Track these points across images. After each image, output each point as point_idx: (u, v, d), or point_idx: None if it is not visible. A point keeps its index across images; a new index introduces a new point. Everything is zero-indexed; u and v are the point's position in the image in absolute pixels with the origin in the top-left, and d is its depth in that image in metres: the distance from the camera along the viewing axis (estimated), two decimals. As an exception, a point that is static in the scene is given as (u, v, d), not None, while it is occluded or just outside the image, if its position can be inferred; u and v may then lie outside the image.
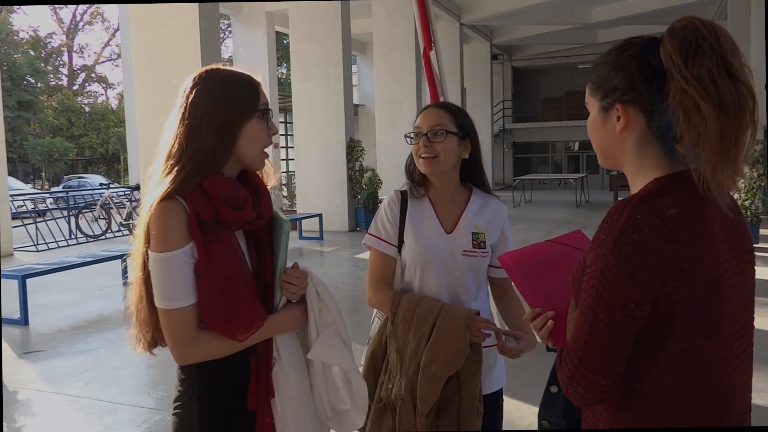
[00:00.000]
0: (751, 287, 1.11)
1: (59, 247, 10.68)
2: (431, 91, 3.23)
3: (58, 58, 38.22)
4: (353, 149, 11.86)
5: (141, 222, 1.32)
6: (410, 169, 1.89)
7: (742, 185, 8.60)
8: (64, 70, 38.58)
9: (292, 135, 14.43)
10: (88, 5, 36.84)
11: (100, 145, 32.42)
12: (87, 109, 35.22)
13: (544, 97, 26.75)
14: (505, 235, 1.90)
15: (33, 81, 31.63)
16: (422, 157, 1.81)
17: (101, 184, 20.36)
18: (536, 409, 1.31)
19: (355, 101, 17.66)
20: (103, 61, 41.17)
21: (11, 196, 11.49)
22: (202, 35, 7.32)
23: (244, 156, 1.36)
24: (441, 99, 3.19)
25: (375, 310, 1.96)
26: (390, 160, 13.78)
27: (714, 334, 1.03)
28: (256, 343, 1.35)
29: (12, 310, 5.94)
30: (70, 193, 14.36)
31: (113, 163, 33.67)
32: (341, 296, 6.49)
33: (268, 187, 1.46)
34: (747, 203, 8.59)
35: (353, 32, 13.11)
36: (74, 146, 32.01)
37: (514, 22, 20.33)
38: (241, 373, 1.35)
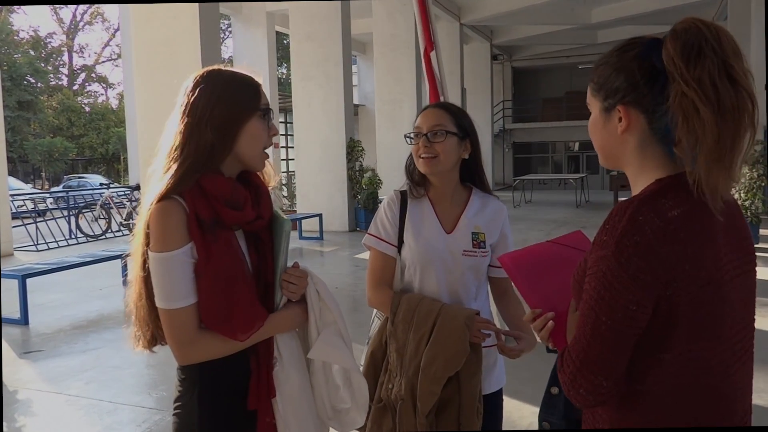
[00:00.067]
0: (752, 289, 1.11)
1: (59, 247, 10.68)
2: (431, 91, 3.23)
3: (58, 58, 38.24)
4: (353, 149, 11.86)
5: (140, 220, 1.32)
6: (410, 169, 1.89)
7: (743, 185, 8.61)
8: (64, 70, 38.62)
9: (292, 135, 14.44)
10: (88, 5, 36.84)
11: (100, 145, 32.43)
12: (87, 109, 35.22)
13: (544, 97, 26.74)
14: (505, 235, 1.90)
15: (33, 81, 31.63)
16: (422, 157, 1.81)
17: (101, 184, 20.36)
18: (536, 409, 1.31)
19: (355, 101, 17.67)
20: (103, 61, 41.23)
21: (11, 196, 11.49)
22: (202, 35, 7.32)
23: (244, 156, 1.37)
24: (441, 99, 3.19)
25: (375, 310, 1.96)
26: (390, 160, 13.78)
27: (715, 336, 1.03)
28: (256, 343, 1.35)
29: (12, 310, 5.94)
30: (70, 193, 14.36)
31: (113, 163, 33.69)
32: (341, 296, 6.49)
33: (269, 188, 1.46)
34: (747, 203, 8.59)
35: (353, 32, 13.11)
36: (74, 146, 32.02)
37: (514, 22, 20.33)
38: (242, 373, 1.36)
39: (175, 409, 1.37)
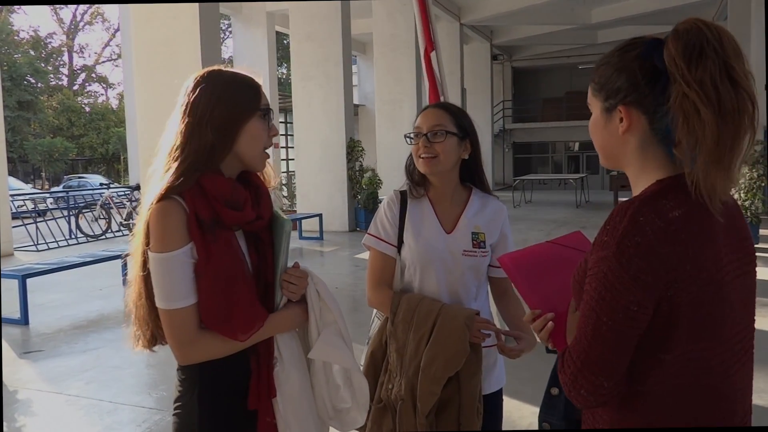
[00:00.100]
0: (752, 289, 1.10)
1: (59, 247, 10.68)
2: (431, 91, 3.23)
3: (59, 58, 38.24)
4: (353, 149, 11.86)
5: (140, 220, 1.32)
6: (410, 169, 1.89)
7: (742, 185, 8.60)
8: (65, 70, 38.62)
9: (292, 135, 14.44)
10: (88, 5, 36.84)
11: (100, 145, 32.43)
12: (87, 109, 35.23)
13: (544, 97, 26.75)
14: (505, 235, 1.90)
15: (33, 81, 31.63)
16: (422, 158, 1.81)
17: (101, 184, 20.37)
18: (536, 409, 1.31)
19: (355, 101, 17.67)
20: (104, 61, 41.23)
21: (11, 196, 11.48)
22: (202, 35, 7.32)
23: (244, 156, 1.37)
24: (441, 99, 3.19)
25: (375, 310, 1.96)
26: (390, 160, 13.78)
27: (716, 337, 1.03)
28: (256, 343, 1.36)
29: (12, 310, 5.94)
30: (70, 193, 14.36)
31: (113, 163, 33.69)
32: (341, 296, 6.49)
33: (269, 188, 1.47)
34: (747, 203, 8.59)
35: (353, 32, 13.11)
36: (74, 146, 32.02)
37: (515, 22, 20.33)
38: (242, 373, 1.36)
39: (175, 409, 1.37)
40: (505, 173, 25.53)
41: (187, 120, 1.33)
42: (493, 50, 22.86)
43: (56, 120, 32.28)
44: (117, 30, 35.14)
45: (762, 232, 9.16)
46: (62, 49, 38.28)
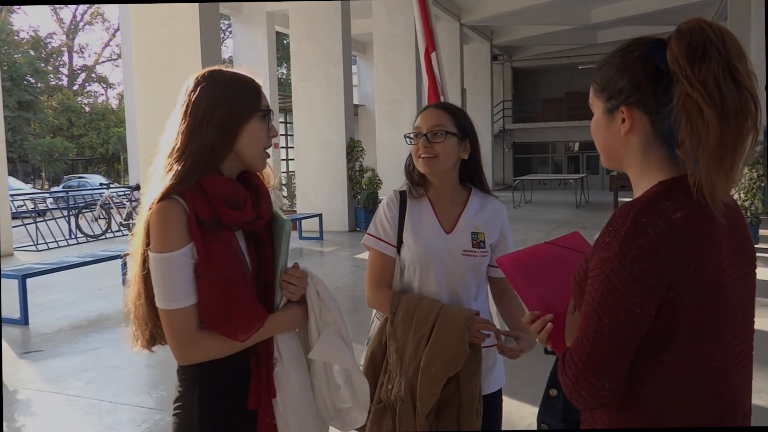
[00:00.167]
0: (752, 291, 1.10)
1: (59, 247, 10.68)
2: (431, 91, 3.23)
3: (59, 58, 38.24)
4: (353, 149, 11.86)
5: (141, 220, 1.32)
6: (410, 170, 1.89)
7: (742, 185, 8.60)
8: (65, 70, 38.61)
9: (292, 135, 14.43)
10: (88, 5, 36.84)
11: (100, 145, 32.42)
12: (87, 109, 35.22)
13: (544, 97, 26.74)
14: (505, 235, 1.90)
15: (33, 81, 31.61)
16: (422, 158, 1.81)
17: (101, 184, 20.36)
18: (536, 410, 1.31)
19: (355, 101, 17.66)
20: (103, 61, 41.22)
21: (11, 196, 11.48)
22: (202, 35, 7.32)
23: (245, 156, 1.37)
24: (441, 100, 3.19)
25: (374, 311, 1.96)
26: (390, 160, 13.78)
27: (717, 339, 1.03)
28: (256, 343, 1.36)
29: (12, 310, 5.94)
30: (70, 193, 14.35)
31: (113, 163, 33.68)
32: (341, 296, 6.49)
33: (268, 189, 1.47)
34: (747, 204, 8.58)
35: (353, 32, 13.11)
36: (74, 146, 32.01)
37: (515, 22, 20.33)
38: (242, 373, 1.36)
39: (175, 409, 1.37)
40: (505, 173, 25.53)
41: (187, 120, 1.33)
42: (493, 50, 22.85)
43: (56, 120, 32.28)
44: (117, 30, 35.16)
45: (762, 232, 9.16)
46: (62, 49, 38.29)
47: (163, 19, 7.50)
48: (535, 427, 1.32)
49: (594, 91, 1.13)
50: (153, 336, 1.38)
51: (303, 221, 10.96)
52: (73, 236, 11.72)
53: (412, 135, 1.85)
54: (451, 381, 1.69)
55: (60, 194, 16.13)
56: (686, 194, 1.01)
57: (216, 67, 1.40)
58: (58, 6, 36.74)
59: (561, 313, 1.18)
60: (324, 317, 1.45)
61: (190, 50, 7.30)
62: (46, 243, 10.64)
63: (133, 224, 1.36)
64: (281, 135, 16.83)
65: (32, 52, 34.26)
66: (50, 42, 37.76)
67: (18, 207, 12.66)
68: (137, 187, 12.16)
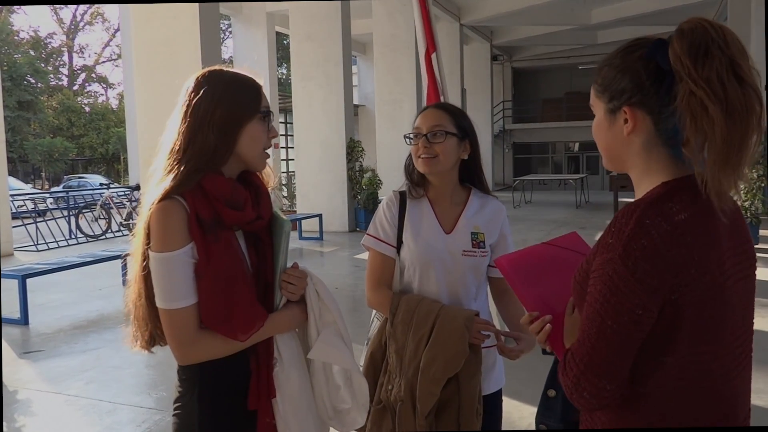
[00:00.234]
0: (752, 293, 1.10)
1: (59, 247, 10.68)
2: (431, 92, 3.23)
3: (59, 58, 38.24)
4: (353, 149, 11.86)
5: (141, 220, 1.32)
6: (409, 170, 1.89)
7: (742, 186, 8.59)
8: (65, 70, 38.61)
9: (292, 135, 14.44)
10: (88, 5, 36.84)
11: (100, 145, 32.42)
12: (87, 109, 35.22)
13: (544, 97, 26.75)
14: (505, 235, 1.90)
15: (33, 81, 31.62)
16: (421, 158, 1.81)
17: (101, 184, 20.37)
18: (535, 410, 1.31)
19: (355, 101, 17.67)
20: (104, 61, 41.23)
21: (11, 196, 11.48)
22: (202, 35, 7.32)
23: (245, 156, 1.37)
24: (441, 100, 3.19)
25: (374, 311, 1.96)
26: (390, 160, 13.78)
27: (718, 340, 1.02)
28: (256, 344, 1.36)
29: (12, 310, 5.94)
30: (70, 193, 14.36)
31: (113, 163, 33.68)
32: (341, 296, 6.49)
33: (268, 189, 1.47)
34: (747, 204, 8.58)
35: (353, 33, 13.11)
36: (74, 146, 32.02)
37: (515, 22, 20.33)
38: (242, 373, 1.36)
39: (175, 409, 1.37)
40: (505, 173, 25.53)
41: (188, 121, 1.33)
42: (493, 51, 22.86)
43: (56, 120, 32.28)
44: (117, 30, 35.17)
45: (762, 232, 9.16)
46: (62, 49, 38.30)
47: (163, 19, 7.50)
48: (534, 428, 1.32)
49: (595, 92, 1.13)
50: (153, 337, 1.38)
51: (303, 221, 10.96)
52: (73, 236, 11.72)
53: (411, 135, 1.85)
54: (451, 381, 1.69)
55: (60, 194, 16.14)
56: (689, 195, 1.01)
57: (216, 68, 1.40)
58: (58, 6, 36.75)
59: (559, 314, 1.18)
60: (323, 317, 1.45)
61: (190, 50, 7.30)
62: (46, 243, 10.64)
63: (134, 224, 1.36)
64: (281, 135, 16.83)
65: (32, 52, 34.27)
66: (50, 42, 37.81)
67: (18, 207, 12.66)
68: (137, 187, 12.16)
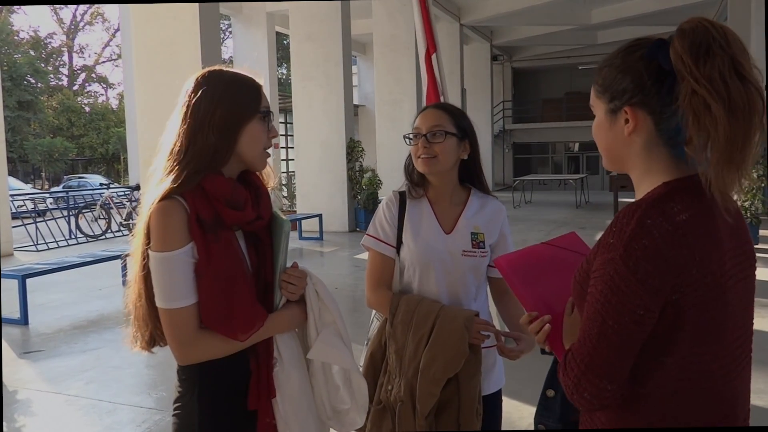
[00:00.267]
0: (751, 293, 1.10)
1: (59, 247, 10.68)
2: (431, 92, 3.22)
3: (59, 58, 38.24)
4: (353, 150, 11.86)
5: (141, 220, 1.32)
6: (409, 170, 1.89)
7: (746, 185, 8.56)
8: (65, 70, 38.61)
9: (292, 135, 14.43)
10: (88, 5, 36.83)
11: (100, 145, 32.42)
12: (87, 109, 35.22)
13: (544, 97, 26.74)
14: (505, 235, 1.90)
15: (33, 81, 31.61)
16: (421, 158, 1.81)
17: (101, 184, 20.36)
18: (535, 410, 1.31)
19: (355, 101, 17.67)
20: (104, 62, 41.22)
21: (11, 196, 11.48)
22: (202, 35, 7.32)
23: (245, 156, 1.37)
24: (441, 100, 3.19)
25: (374, 311, 1.96)
26: (390, 160, 13.77)
27: (718, 340, 1.02)
28: (256, 344, 1.36)
29: (12, 310, 5.94)
30: (70, 193, 14.36)
31: (113, 163, 33.68)
32: (341, 296, 6.49)
33: (268, 189, 1.47)
34: (747, 204, 8.58)
35: (353, 33, 13.11)
36: (74, 146, 32.02)
37: (515, 23, 20.33)
38: (242, 373, 1.36)
39: (175, 409, 1.37)
40: (505, 174, 25.53)
41: (188, 122, 1.33)
42: (493, 51, 22.86)
43: (56, 120, 32.27)
44: (117, 30, 35.18)
45: (762, 232, 9.16)
46: (62, 49, 38.29)
47: (163, 19, 7.50)
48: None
49: (595, 93, 1.12)
50: (153, 337, 1.38)
51: (303, 221, 10.96)
52: (73, 236, 11.72)
53: (411, 135, 1.85)
54: (451, 382, 1.69)
55: (60, 194, 16.13)
56: (690, 195, 1.01)
57: (216, 68, 1.40)
58: (58, 6, 36.75)
59: (558, 314, 1.18)
60: (323, 317, 1.45)
61: (190, 50, 7.30)
62: (46, 243, 10.64)
63: (133, 224, 1.36)
64: (281, 135, 16.83)
65: (32, 52, 34.26)
66: (50, 42, 37.81)
67: (18, 207, 12.66)
68: (137, 187, 12.16)
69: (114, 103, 38.40)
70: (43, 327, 5.75)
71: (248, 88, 1.37)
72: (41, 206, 14.85)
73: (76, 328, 5.71)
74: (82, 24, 39.84)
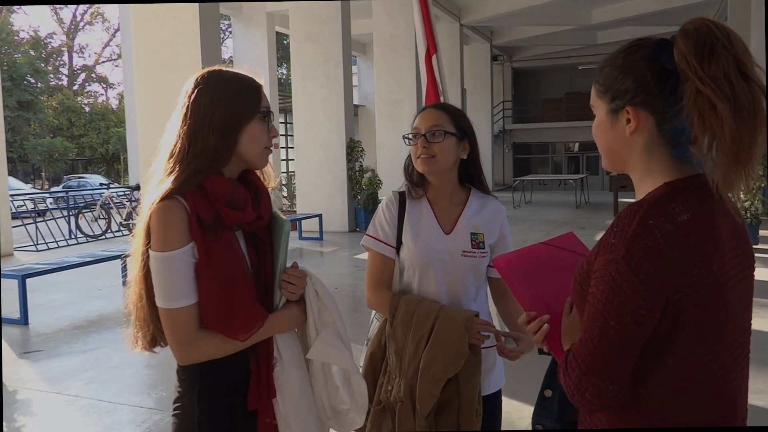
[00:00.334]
0: (750, 294, 1.10)
1: (59, 247, 10.67)
2: (430, 93, 3.22)
3: (59, 58, 38.24)
4: (353, 150, 11.86)
5: (141, 220, 1.32)
6: (409, 170, 1.89)
7: (753, 185, 8.58)
8: (65, 70, 38.61)
9: (292, 135, 14.43)
10: (88, 5, 36.83)
11: (100, 145, 32.42)
12: (87, 109, 35.22)
13: (544, 98, 26.74)
14: (504, 236, 1.89)
15: (33, 81, 31.61)
16: (420, 158, 1.81)
17: (101, 184, 20.36)
18: (534, 410, 1.31)
19: (355, 101, 17.66)
20: (104, 61, 41.23)
21: (11, 196, 11.48)
22: (202, 35, 7.31)
23: (245, 155, 1.37)
24: (441, 100, 3.18)
25: (374, 312, 1.96)
26: (390, 160, 13.77)
27: (719, 341, 1.02)
28: (256, 343, 1.36)
29: (12, 310, 5.94)
30: (70, 193, 14.35)
31: (113, 163, 33.68)
32: (341, 296, 6.48)
33: (268, 189, 1.47)
34: (747, 204, 8.58)
35: (353, 33, 13.11)
36: (74, 146, 32.02)
37: (515, 23, 20.33)
38: (242, 373, 1.36)
39: (174, 409, 1.37)
40: (504, 174, 25.53)
41: (189, 122, 1.33)
42: (493, 51, 22.86)
43: (56, 120, 32.27)
44: (117, 30, 35.17)
45: (762, 232, 9.16)
46: (62, 49, 38.29)
47: (163, 19, 7.50)
48: (534, 428, 1.32)
49: (596, 93, 1.12)
50: (154, 337, 1.38)
51: (303, 221, 10.96)
52: (73, 236, 11.72)
53: (410, 136, 1.85)
54: (451, 382, 1.69)
55: (60, 194, 16.13)
56: (692, 196, 1.01)
57: (216, 68, 1.39)
58: (58, 6, 36.74)
59: (556, 314, 1.18)
60: (323, 317, 1.45)
61: (190, 50, 7.30)
62: (46, 243, 10.64)
63: (133, 224, 1.36)
64: (281, 135, 16.83)
65: (32, 52, 34.26)
66: (50, 42, 37.81)
67: (18, 207, 12.66)
68: (137, 188, 12.16)
69: (114, 103, 38.45)
70: (43, 327, 5.75)
71: (248, 88, 1.37)
72: (41, 206, 14.85)
73: (76, 328, 5.71)
74: (82, 24, 39.87)
